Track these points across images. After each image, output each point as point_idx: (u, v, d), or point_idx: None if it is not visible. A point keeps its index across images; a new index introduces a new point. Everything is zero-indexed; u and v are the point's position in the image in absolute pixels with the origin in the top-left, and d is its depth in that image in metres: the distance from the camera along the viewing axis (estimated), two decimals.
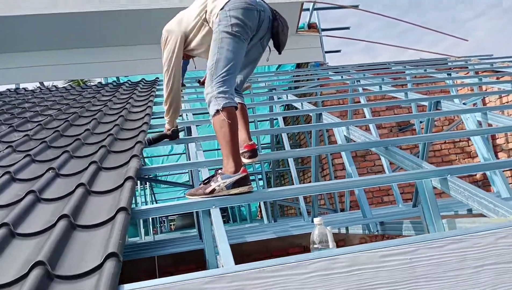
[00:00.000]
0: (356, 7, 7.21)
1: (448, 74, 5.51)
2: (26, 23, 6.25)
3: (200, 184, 1.84)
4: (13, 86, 6.46)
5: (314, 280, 1.27)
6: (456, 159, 6.76)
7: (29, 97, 5.17)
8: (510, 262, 1.37)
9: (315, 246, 1.59)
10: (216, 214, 1.71)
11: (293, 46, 7.17)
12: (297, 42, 7.12)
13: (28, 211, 1.73)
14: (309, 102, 4.57)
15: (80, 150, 2.67)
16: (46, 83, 7.46)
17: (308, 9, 7.26)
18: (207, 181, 1.82)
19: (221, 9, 1.99)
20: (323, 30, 7.48)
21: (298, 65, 8.04)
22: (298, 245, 3.79)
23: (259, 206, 11.68)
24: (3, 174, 2.17)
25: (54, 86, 6.63)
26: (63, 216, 1.59)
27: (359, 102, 5.31)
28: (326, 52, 7.67)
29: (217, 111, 1.84)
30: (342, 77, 6.03)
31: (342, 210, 6.24)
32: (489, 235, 1.38)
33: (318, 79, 6.67)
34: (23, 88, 6.28)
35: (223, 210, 14.26)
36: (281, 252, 3.78)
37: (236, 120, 1.89)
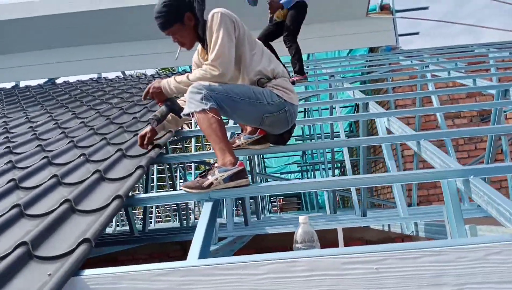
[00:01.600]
0: None
1: None
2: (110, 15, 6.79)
3: (196, 178, 1.85)
4: (95, 76, 7.09)
5: (268, 282, 1.23)
6: None
7: (104, 86, 5.63)
8: (501, 283, 1.19)
9: (297, 245, 1.53)
10: (206, 206, 1.72)
11: (363, 30, 6.84)
12: (367, 25, 6.76)
13: (44, 194, 1.90)
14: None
15: (118, 137, 2.85)
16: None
17: None
18: (204, 175, 1.82)
19: (285, 101, 2.03)
20: (398, 11, 6.99)
21: (371, 50, 7.66)
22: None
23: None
24: (43, 158, 2.41)
25: (130, 75, 7.11)
26: (65, 201, 1.73)
27: (427, 89, 4.90)
28: (402, 34, 7.18)
29: (204, 110, 1.83)
30: (411, 62, 5.61)
31: (409, 205, 5.88)
32: (478, 250, 1.21)
33: (389, 64, 6.29)
34: (104, 77, 6.85)
35: (298, 197, 14.21)
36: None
37: (222, 118, 1.89)
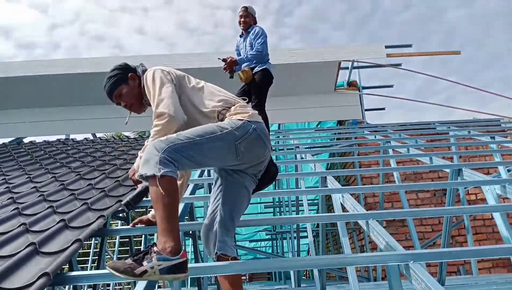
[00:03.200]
0: (397, 65, 7.04)
1: (491, 137, 5.08)
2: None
3: (129, 259, 1.57)
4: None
5: None
6: None
7: (69, 148, 5.57)
8: None
9: None
10: (139, 287, 1.64)
11: (331, 103, 7.13)
12: (335, 99, 7.07)
13: None
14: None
15: (67, 205, 2.76)
16: None
17: (347, 68, 7.23)
18: (138, 258, 1.55)
19: (248, 121, 1.82)
20: (365, 88, 7.36)
21: (340, 122, 7.92)
22: None
23: None
24: None
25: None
26: None
27: (389, 164, 5.03)
28: (368, 109, 7.50)
29: (154, 176, 1.55)
30: (375, 137, 5.80)
31: (375, 279, 5.82)
32: None
33: (355, 138, 6.49)
34: (72, 138, 6.80)
35: None
36: None
37: (178, 193, 1.65)
